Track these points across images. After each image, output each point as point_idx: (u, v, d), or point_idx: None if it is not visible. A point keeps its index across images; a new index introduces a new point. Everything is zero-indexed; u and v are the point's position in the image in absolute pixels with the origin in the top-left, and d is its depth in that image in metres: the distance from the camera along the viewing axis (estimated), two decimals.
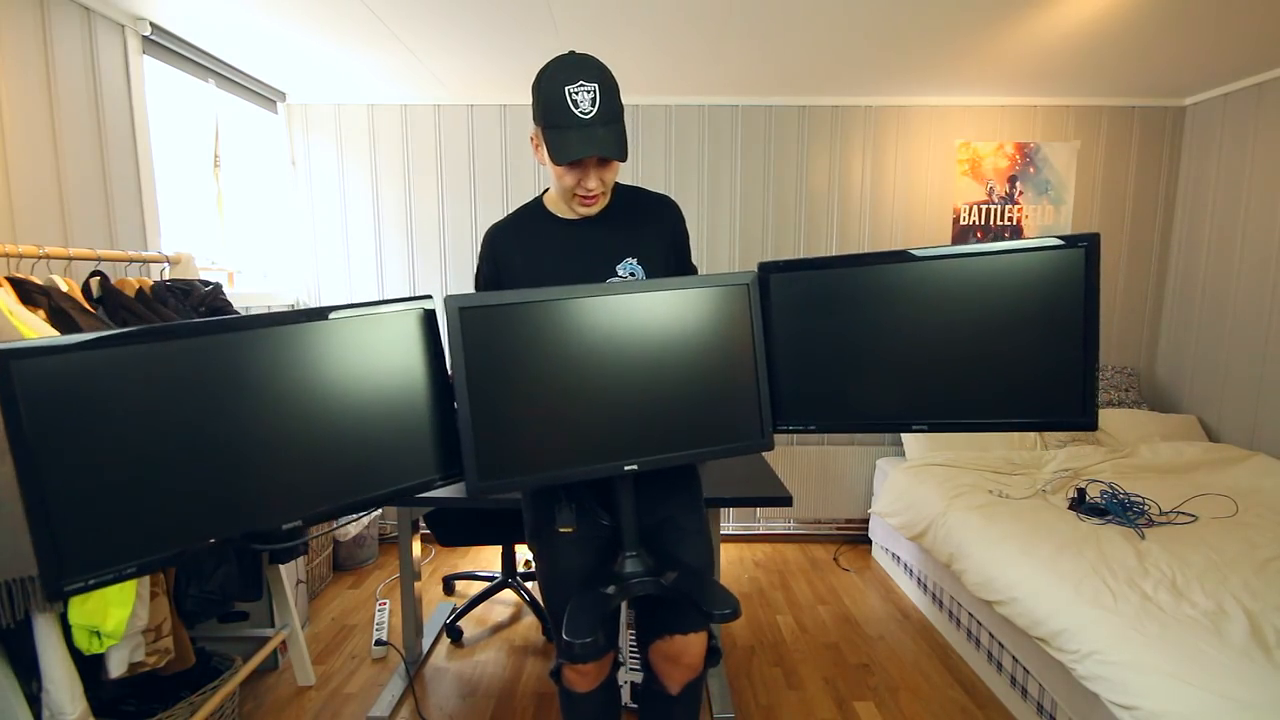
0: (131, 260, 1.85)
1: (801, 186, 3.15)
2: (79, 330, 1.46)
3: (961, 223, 3.17)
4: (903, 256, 1.16)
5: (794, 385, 1.25)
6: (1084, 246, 1.07)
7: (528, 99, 1.29)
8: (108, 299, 1.69)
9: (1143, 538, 2.00)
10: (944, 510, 2.40)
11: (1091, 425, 1.11)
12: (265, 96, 2.92)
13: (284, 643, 2.19)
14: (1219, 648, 1.45)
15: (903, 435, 3.13)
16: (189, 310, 1.87)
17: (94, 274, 1.71)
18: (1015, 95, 3.04)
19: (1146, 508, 2.19)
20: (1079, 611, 1.66)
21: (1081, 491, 2.31)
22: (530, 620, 2.62)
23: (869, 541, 3.30)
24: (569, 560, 1.30)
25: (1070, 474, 2.62)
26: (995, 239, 3.16)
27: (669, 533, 1.33)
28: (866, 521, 3.29)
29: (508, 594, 2.83)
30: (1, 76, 1.69)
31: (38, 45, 1.81)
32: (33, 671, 1.35)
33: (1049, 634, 1.71)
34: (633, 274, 1.28)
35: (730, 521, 3.38)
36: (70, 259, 1.65)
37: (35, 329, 1.35)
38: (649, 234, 1.32)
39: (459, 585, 2.93)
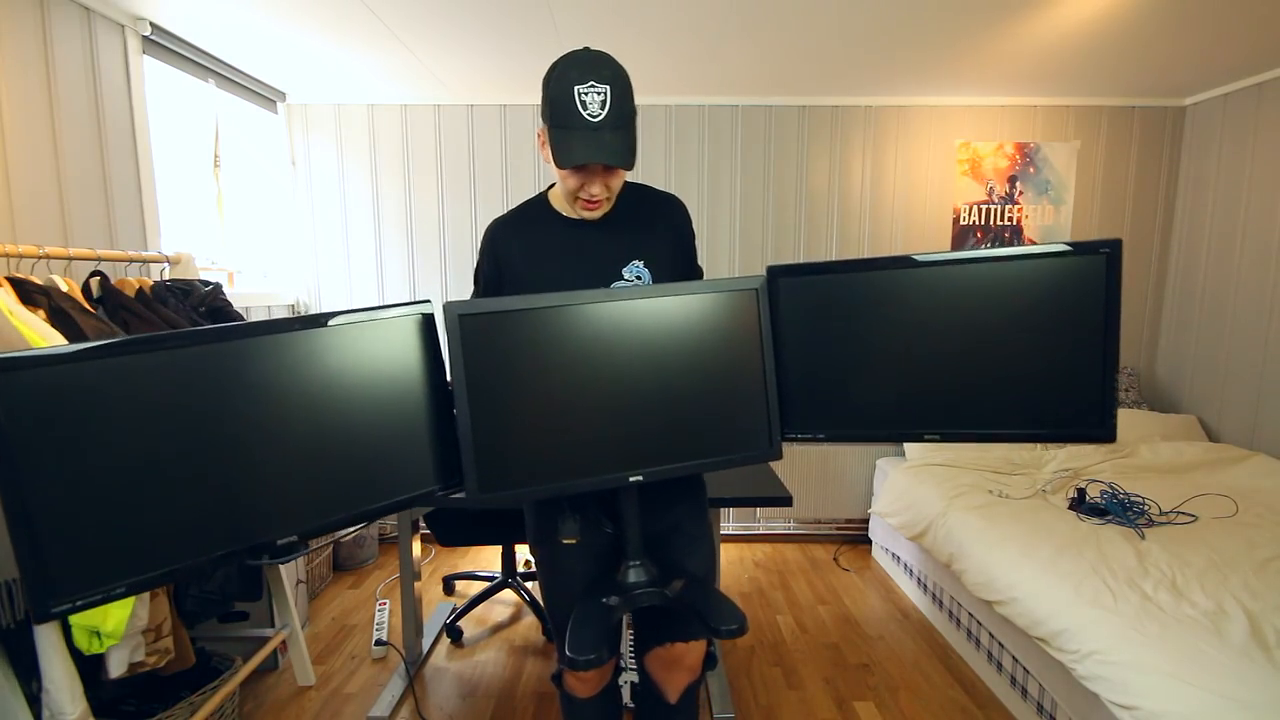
0: (131, 260, 1.85)
1: (801, 186, 3.15)
2: (79, 330, 1.46)
3: (961, 223, 3.16)
4: (914, 262, 1.11)
5: (802, 394, 1.20)
6: (1106, 253, 1.02)
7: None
8: (108, 299, 1.69)
9: (1143, 538, 2.00)
10: (944, 510, 2.40)
11: (1110, 437, 1.06)
12: (265, 96, 2.92)
13: (284, 643, 2.19)
14: (1219, 648, 1.45)
15: None
16: (189, 310, 1.87)
17: (94, 274, 1.71)
18: (1015, 95, 3.04)
19: (1146, 508, 2.19)
20: (1079, 611, 1.66)
21: (1081, 491, 2.32)
22: (530, 620, 2.62)
23: (869, 541, 3.30)
24: (571, 568, 1.27)
25: (1070, 474, 2.62)
26: (995, 239, 3.17)
27: (676, 540, 1.29)
28: (866, 521, 3.29)
29: (508, 594, 2.83)
30: (1, 76, 1.69)
31: (38, 45, 1.81)
32: (33, 671, 1.35)
33: (1049, 634, 1.71)
34: (639, 277, 1.23)
35: (730, 521, 3.38)
36: (70, 259, 1.65)
37: (35, 329, 1.35)
38: (657, 235, 1.26)
39: (459, 585, 2.93)
